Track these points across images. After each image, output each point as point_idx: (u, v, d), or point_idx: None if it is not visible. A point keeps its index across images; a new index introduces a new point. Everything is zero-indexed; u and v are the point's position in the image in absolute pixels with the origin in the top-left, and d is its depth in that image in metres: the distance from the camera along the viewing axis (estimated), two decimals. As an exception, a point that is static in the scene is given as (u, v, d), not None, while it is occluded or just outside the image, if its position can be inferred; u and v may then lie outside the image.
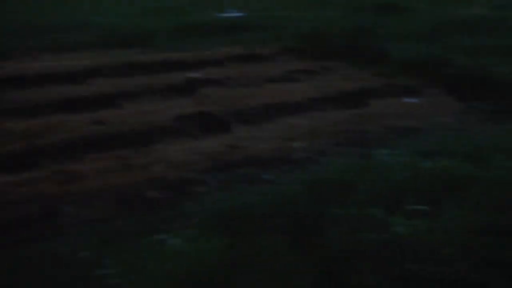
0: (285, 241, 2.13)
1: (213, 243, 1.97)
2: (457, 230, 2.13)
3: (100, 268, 1.92)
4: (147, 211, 2.93)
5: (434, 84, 6.09)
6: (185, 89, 5.60)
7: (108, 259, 1.98)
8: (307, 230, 2.20)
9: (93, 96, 5.29)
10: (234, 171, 3.61)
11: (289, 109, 5.05)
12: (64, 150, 3.94)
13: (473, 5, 5.99)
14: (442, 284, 1.85)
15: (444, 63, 6.17)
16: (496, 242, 2.21)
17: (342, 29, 7.79)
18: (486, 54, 6.30)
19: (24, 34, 7.90)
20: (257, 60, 7.42)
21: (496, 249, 2.18)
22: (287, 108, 5.06)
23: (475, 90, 5.70)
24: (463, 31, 7.76)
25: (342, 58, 7.35)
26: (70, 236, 2.43)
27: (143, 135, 4.27)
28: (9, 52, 6.93)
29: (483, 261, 2.21)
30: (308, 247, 2.09)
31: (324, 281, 1.80)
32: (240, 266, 1.87)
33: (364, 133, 4.42)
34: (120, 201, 3.14)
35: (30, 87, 5.48)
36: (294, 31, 8.18)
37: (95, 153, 3.92)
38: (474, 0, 9.09)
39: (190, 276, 1.81)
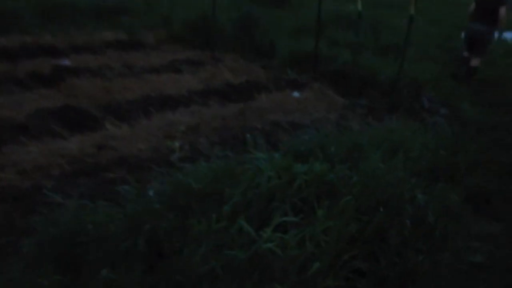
0: (139, 268, 1.81)
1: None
2: (328, 241, 2.00)
3: None
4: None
5: (320, 79, 6.14)
6: (51, 79, 4.91)
7: None
8: (167, 251, 1.90)
9: None
10: (100, 176, 3.17)
11: (170, 103, 4.67)
12: None
13: (356, 2, 6.09)
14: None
15: (329, 59, 6.25)
16: (365, 251, 2.13)
17: (230, 19, 7.54)
18: (366, 51, 6.52)
19: None
20: (140, 47, 6.88)
21: (365, 258, 2.09)
22: (167, 102, 4.68)
23: (357, 86, 5.85)
24: (348, 27, 8.01)
25: (232, 49, 7.14)
26: None
27: (-12, 134, 3.60)
28: None
29: (353, 272, 2.12)
30: (163, 272, 1.80)
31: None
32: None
33: (246, 130, 4.23)
34: None
35: None
36: (183, 17, 7.74)
37: None
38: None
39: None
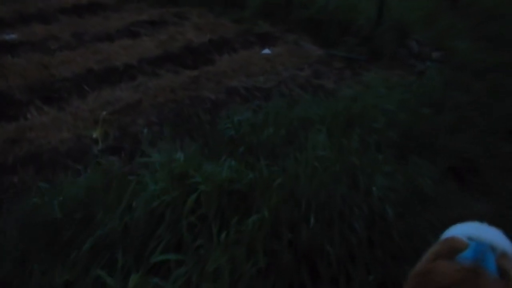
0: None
1: None
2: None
3: None
4: None
5: (295, 29, 5.43)
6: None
7: None
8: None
9: None
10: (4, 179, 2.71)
11: (113, 76, 4.11)
12: None
13: None
14: None
15: (303, 5, 5.48)
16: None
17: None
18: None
19: None
20: (99, 10, 6.21)
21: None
22: (110, 76, 4.12)
23: (335, 34, 5.13)
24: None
25: (200, 2, 6.41)
26: None
27: None
28: None
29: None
30: None
31: None
32: None
33: (196, 102, 3.67)
34: None
35: None
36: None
37: None
38: None
39: None
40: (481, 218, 0.96)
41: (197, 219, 1.70)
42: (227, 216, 1.72)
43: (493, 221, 0.97)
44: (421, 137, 2.99)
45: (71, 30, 5.34)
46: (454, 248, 0.76)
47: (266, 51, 4.93)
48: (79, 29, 5.36)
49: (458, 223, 0.87)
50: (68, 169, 2.71)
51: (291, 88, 4.06)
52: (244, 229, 1.64)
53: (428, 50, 4.84)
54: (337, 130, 2.54)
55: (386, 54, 4.64)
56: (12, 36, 5.13)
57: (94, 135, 3.01)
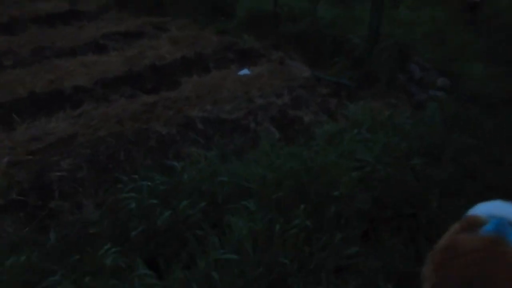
0: None
1: None
2: None
3: None
4: None
5: (282, 45, 4.80)
6: None
7: None
8: None
9: None
10: None
11: (56, 102, 3.56)
12: None
13: None
14: None
15: (292, 18, 4.84)
16: None
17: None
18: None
19: None
20: (75, 19, 5.71)
21: None
22: (53, 101, 3.57)
23: (326, 53, 4.48)
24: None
25: (185, 11, 5.84)
26: None
27: None
28: None
29: None
30: None
31: None
32: None
33: (142, 137, 3.09)
34: None
35: None
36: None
37: None
38: None
39: None
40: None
41: None
42: None
43: None
44: (401, 206, 2.32)
45: (35, 43, 4.84)
46: (475, 223, 0.77)
47: (245, 71, 4.31)
48: (44, 42, 4.86)
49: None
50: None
51: (260, 121, 3.44)
52: None
53: (432, 75, 4.13)
54: (276, 205, 1.91)
55: (382, 79, 3.96)
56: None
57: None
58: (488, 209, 0.85)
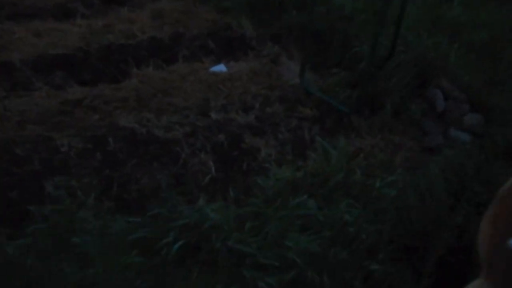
0: None
1: None
2: None
3: None
4: None
5: (282, 36, 3.82)
6: None
7: None
8: None
9: None
10: None
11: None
12: None
13: None
14: None
15: (299, 7, 3.82)
16: None
17: None
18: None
19: None
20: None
21: None
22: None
23: (330, 56, 3.47)
24: None
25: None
26: None
27: None
28: None
29: None
30: None
31: None
32: None
33: (30, 155, 2.36)
34: None
35: None
36: None
37: None
38: None
39: None
40: None
41: None
42: None
43: None
44: None
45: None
46: None
47: (220, 67, 3.42)
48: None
49: None
50: None
51: (199, 148, 2.58)
52: None
53: (461, 108, 3.04)
54: None
55: (388, 106, 2.93)
56: None
57: None
58: None
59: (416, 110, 2.97)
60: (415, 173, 2.49)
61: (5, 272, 1.67)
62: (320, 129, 2.85)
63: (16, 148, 2.42)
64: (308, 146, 2.69)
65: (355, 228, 1.98)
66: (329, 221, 2.00)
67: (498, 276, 0.97)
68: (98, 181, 2.27)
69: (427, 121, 2.95)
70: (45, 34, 3.61)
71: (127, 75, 3.17)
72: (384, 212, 2.07)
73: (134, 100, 2.90)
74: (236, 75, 3.34)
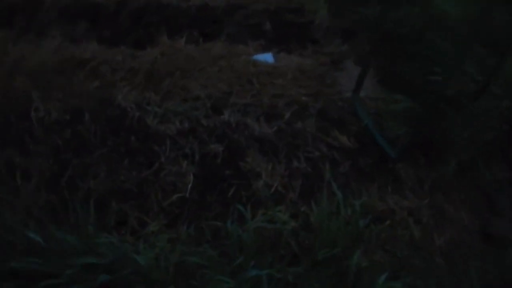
0: None
1: None
2: None
3: None
4: None
5: (356, 31, 3.10)
6: None
7: None
8: None
9: None
10: None
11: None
12: None
13: None
14: None
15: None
16: None
17: None
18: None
19: None
20: None
21: None
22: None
23: (411, 74, 2.71)
24: None
25: None
26: None
27: None
28: None
29: None
30: None
31: None
32: None
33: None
34: None
35: None
36: None
37: None
38: None
39: None
40: None
41: None
42: None
43: None
44: None
45: None
46: None
47: (265, 56, 2.84)
48: None
49: None
50: None
51: (186, 152, 2.08)
52: None
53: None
54: None
55: (450, 160, 2.16)
56: None
57: None
58: None
59: (490, 176, 2.16)
60: (454, 273, 1.76)
61: None
62: (350, 168, 2.19)
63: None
64: (324, 188, 2.06)
65: None
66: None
67: None
68: (51, 164, 1.90)
69: (502, 197, 2.14)
70: None
71: (153, 43, 2.73)
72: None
73: (145, 74, 2.47)
74: (280, 70, 2.74)
